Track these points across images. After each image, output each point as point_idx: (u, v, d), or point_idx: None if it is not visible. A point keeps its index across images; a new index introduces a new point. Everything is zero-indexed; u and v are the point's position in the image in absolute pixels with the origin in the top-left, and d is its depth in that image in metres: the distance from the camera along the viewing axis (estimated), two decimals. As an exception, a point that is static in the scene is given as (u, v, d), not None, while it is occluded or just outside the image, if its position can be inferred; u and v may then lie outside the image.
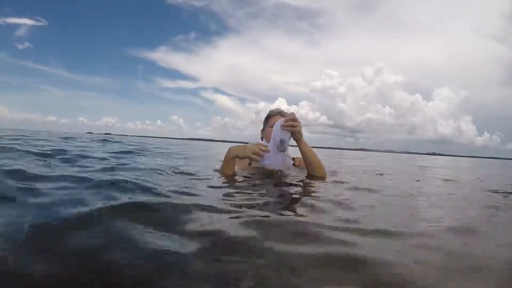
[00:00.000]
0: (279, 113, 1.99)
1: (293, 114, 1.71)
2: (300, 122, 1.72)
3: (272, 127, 1.87)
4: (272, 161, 1.78)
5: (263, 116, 2.13)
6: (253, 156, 1.64)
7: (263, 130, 2.08)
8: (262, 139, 1.99)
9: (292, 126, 1.70)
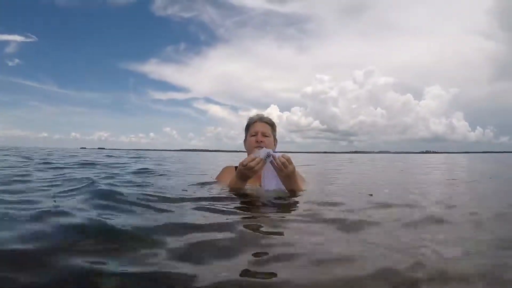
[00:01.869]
0: (259, 119, 1.84)
1: (287, 156, 1.52)
2: (292, 164, 1.53)
3: (253, 135, 1.77)
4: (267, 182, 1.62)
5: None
6: (256, 169, 1.50)
7: (245, 141, 1.89)
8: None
9: (284, 167, 1.50)
